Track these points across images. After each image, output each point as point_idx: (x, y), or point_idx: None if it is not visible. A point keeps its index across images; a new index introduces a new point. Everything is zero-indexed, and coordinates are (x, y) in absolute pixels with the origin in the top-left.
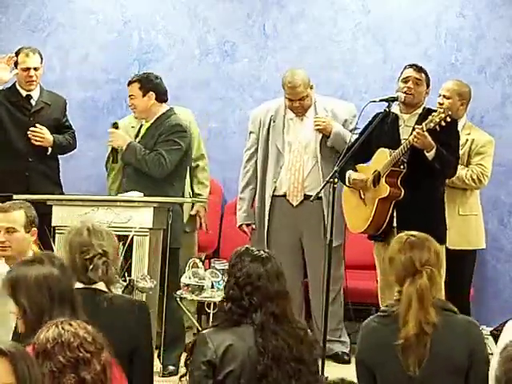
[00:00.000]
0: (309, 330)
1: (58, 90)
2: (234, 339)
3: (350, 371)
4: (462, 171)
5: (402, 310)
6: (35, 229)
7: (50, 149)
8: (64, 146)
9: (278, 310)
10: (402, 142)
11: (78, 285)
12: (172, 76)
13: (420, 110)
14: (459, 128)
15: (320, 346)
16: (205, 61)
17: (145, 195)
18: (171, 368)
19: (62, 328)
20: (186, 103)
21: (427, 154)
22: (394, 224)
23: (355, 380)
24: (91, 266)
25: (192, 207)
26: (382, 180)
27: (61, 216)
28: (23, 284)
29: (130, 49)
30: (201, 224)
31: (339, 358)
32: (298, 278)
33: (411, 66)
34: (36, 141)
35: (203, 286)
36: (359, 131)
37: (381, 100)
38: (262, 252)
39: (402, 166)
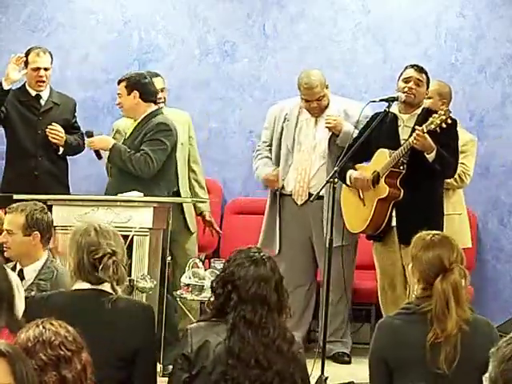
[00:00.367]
0: (297, 343)
1: (58, 90)
2: (211, 336)
3: (349, 371)
4: None
5: (440, 307)
6: (37, 232)
7: (61, 149)
8: (74, 147)
9: (250, 316)
10: (402, 142)
11: (85, 285)
12: (172, 76)
13: (419, 111)
14: None
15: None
16: (205, 61)
17: None
18: (171, 367)
19: (43, 327)
20: (186, 103)
21: (428, 156)
22: (393, 223)
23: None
24: (101, 266)
25: (195, 208)
26: (382, 180)
27: (61, 216)
28: None
29: (130, 49)
30: (212, 227)
31: (339, 359)
32: (307, 277)
33: (412, 66)
34: (53, 138)
35: (203, 285)
36: (357, 131)
37: (381, 100)
38: (260, 254)
39: (401, 167)
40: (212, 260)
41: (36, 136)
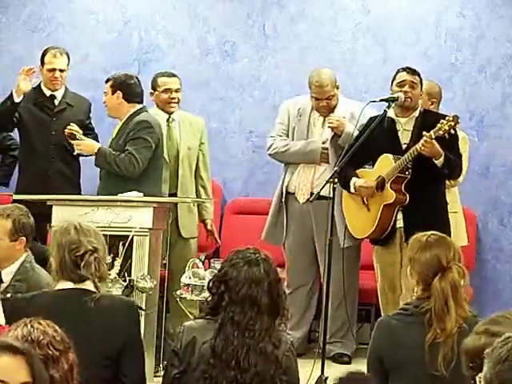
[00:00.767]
0: (285, 346)
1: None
2: (201, 334)
3: (349, 371)
4: None
5: (439, 306)
6: (23, 238)
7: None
8: None
9: (239, 317)
10: (403, 146)
11: (68, 284)
12: None
13: (416, 114)
14: None
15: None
16: (205, 61)
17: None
18: None
19: (31, 326)
20: (186, 103)
21: (436, 162)
22: (396, 226)
23: None
24: (83, 263)
25: (199, 214)
26: (387, 186)
27: (61, 216)
28: None
29: (130, 49)
30: (213, 237)
31: (339, 359)
32: (308, 277)
33: (404, 69)
34: (71, 139)
35: (203, 286)
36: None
37: (381, 100)
38: (255, 255)
39: (406, 172)
40: (212, 260)
41: (49, 137)
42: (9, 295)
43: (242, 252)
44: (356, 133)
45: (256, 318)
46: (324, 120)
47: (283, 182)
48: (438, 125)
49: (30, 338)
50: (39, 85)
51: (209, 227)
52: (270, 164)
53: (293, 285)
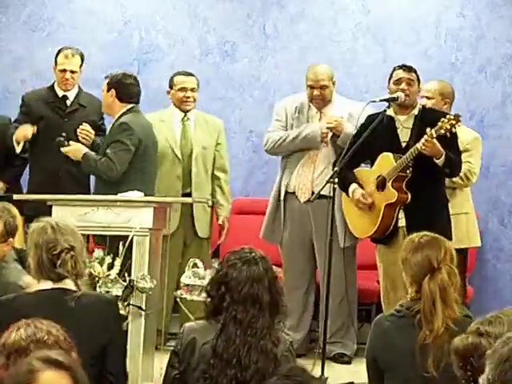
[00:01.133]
0: (284, 345)
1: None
2: (201, 335)
3: (350, 371)
4: None
5: (427, 307)
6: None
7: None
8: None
9: (241, 316)
10: (403, 144)
11: (48, 284)
12: None
13: (416, 111)
14: None
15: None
16: (205, 61)
17: None
18: None
19: (35, 326)
20: None
21: (437, 161)
22: (399, 225)
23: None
24: (59, 261)
25: (212, 211)
26: (389, 185)
27: (61, 216)
28: None
29: (130, 49)
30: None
31: (339, 359)
32: (304, 280)
33: (400, 67)
34: (83, 138)
35: (203, 286)
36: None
37: (381, 100)
38: (252, 254)
39: (407, 171)
40: (212, 260)
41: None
42: None
43: (238, 252)
44: (354, 131)
45: (258, 316)
46: (321, 117)
47: (281, 181)
48: (439, 123)
49: (35, 338)
50: (53, 84)
51: (220, 222)
52: (270, 164)
53: (290, 285)
